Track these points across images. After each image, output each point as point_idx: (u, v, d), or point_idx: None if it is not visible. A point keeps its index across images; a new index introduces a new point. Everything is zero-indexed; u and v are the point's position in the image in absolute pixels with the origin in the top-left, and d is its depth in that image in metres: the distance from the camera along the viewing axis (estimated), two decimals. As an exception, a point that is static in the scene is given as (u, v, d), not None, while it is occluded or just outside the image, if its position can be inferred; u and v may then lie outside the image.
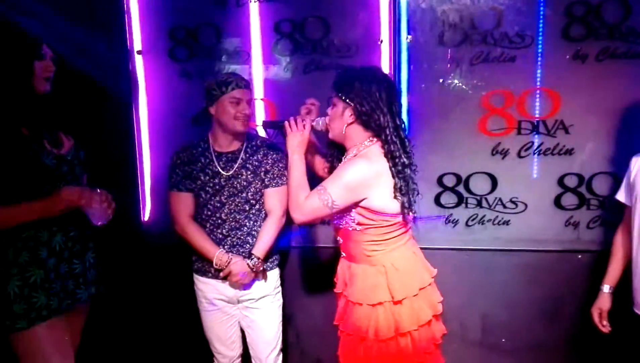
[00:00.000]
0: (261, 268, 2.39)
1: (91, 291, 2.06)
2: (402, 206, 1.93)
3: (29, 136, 1.86)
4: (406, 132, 2.01)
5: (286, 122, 2.08)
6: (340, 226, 2.03)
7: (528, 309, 2.82)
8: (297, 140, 2.04)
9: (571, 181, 2.67)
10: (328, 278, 2.89)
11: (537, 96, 2.63)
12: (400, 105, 2.05)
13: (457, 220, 2.80)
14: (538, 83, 2.62)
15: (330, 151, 2.18)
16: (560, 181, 2.68)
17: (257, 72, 2.83)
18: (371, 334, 1.96)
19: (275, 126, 2.21)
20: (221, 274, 2.35)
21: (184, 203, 2.39)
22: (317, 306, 2.97)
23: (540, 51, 2.59)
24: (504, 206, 2.74)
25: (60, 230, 1.93)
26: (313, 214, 1.95)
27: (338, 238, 2.12)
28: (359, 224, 1.96)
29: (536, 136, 2.66)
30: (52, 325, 1.90)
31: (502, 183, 2.73)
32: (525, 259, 2.77)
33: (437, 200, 2.80)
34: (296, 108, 2.67)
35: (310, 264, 2.98)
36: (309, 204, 1.92)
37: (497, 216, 2.76)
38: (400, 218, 1.97)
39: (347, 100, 1.95)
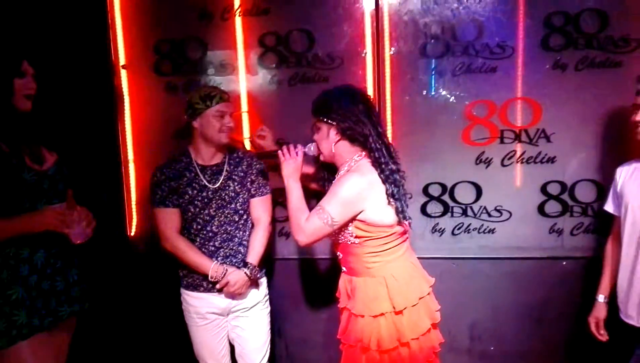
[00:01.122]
0: (257, 276, 2.38)
1: (75, 308, 2.00)
2: (397, 211, 1.95)
3: (8, 152, 1.80)
4: (388, 140, 2.05)
5: (279, 152, 2.11)
6: (340, 240, 2.04)
7: (515, 316, 2.80)
8: (291, 167, 2.07)
9: (554, 189, 2.67)
10: (318, 290, 2.89)
11: (519, 105, 2.63)
12: (378, 115, 2.08)
13: (444, 229, 2.78)
14: (519, 93, 2.62)
15: (320, 174, 2.22)
16: (544, 189, 2.67)
17: (243, 85, 2.80)
18: (373, 345, 1.96)
19: (270, 155, 2.27)
20: (217, 285, 2.30)
21: (171, 219, 2.33)
22: (307, 318, 2.94)
23: (520, 61, 2.59)
24: (489, 215, 2.73)
25: (42, 246, 1.87)
26: (315, 234, 1.95)
27: (338, 252, 2.11)
28: (357, 237, 1.97)
29: (519, 144, 2.66)
30: (34, 343, 1.84)
31: (487, 191, 2.71)
32: (511, 267, 2.75)
33: (423, 210, 2.77)
34: (281, 121, 2.67)
35: (299, 276, 2.93)
36: (310, 226, 1.94)
37: (482, 225, 2.74)
38: (397, 229, 1.99)
39: (329, 121, 1.99)
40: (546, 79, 2.58)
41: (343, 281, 2.13)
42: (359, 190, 1.91)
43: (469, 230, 2.76)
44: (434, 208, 2.77)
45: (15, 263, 1.82)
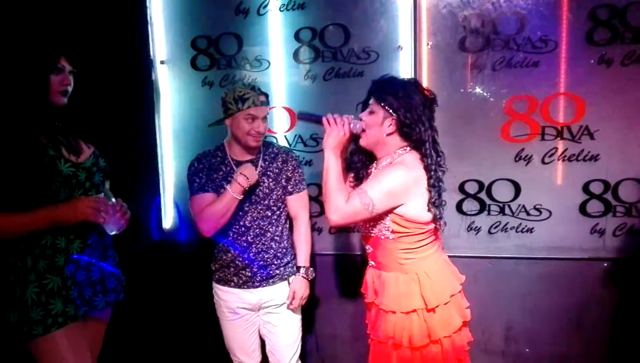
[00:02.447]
0: (314, 276, 2.38)
1: (110, 299, 1.97)
2: (434, 217, 1.87)
3: (45, 143, 1.79)
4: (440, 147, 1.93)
5: (324, 118, 1.93)
6: (372, 234, 1.94)
7: (552, 318, 2.67)
8: (335, 139, 1.90)
9: (597, 188, 2.52)
10: (348, 286, 2.81)
11: (561, 101, 2.49)
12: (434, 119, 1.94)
13: (480, 228, 2.66)
14: (562, 88, 2.48)
15: (357, 157, 2.05)
16: (586, 188, 2.53)
17: (278, 80, 2.74)
18: (405, 342, 1.88)
19: (312, 119, 2.04)
20: (288, 299, 2.30)
21: (207, 201, 2.22)
22: (338, 314, 2.87)
23: (564, 55, 2.46)
24: (528, 214, 2.59)
25: (78, 237, 1.85)
26: (352, 217, 1.85)
27: (367, 246, 2.02)
28: (393, 232, 1.88)
29: (560, 141, 2.52)
30: (69, 332, 1.82)
31: (526, 189, 2.58)
32: (549, 267, 2.62)
33: (459, 207, 2.66)
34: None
35: (330, 271, 2.86)
36: (350, 208, 1.81)
37: (520, 224, 2.61)
38: (432, 226, 1.91)
39: (390, 110, 1.86)
40: (590, 74, 2.44)
41: (371, 275, 2.04)
42: (405, 183, 1.82)
43: (507, 228, 2.63)
44: (470, 205, 2.65)
45: (52, 253, 1.80)
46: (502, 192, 2.61)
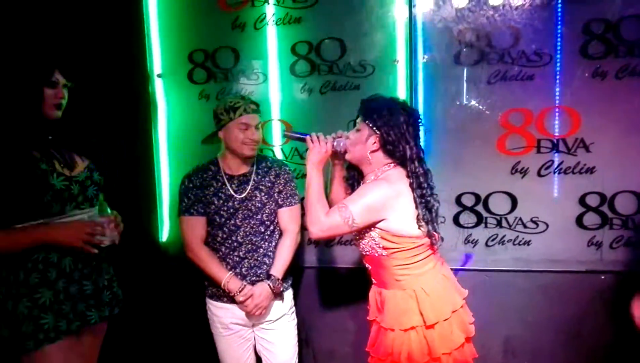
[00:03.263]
0: (281, 289, 2.25)
1: (104, 313, 1.92)
2: (428, 234, 1.86)
3: (38, 157, 1.75)
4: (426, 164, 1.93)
5: (308, 137, 1.98)
6: (366, 252, 1.93)
7: (550, 331, 2.63)
8: (317, 157, 1.94)
9: (593, 200, 2.50)
10: (346, 300, 2.77)
11: (557, 114, 2.48)
12: (420, 138, 1.96)
13: (477, 240, 2.62)
14: (557, 101, 2.47)
15: (351, 173, 2.08)
16: (582, 200, 2.50)
17: (275, 93, 2.71)
18: (404, 359, 1.85)
19: (297, 138, 2.08)
20: (241, 297, 2.16)
21: (195, 228, 2.23)
22: (335, 328, 2.81)
23: (558, 69, 2.45)
24: (525, 226, 2.56)
25: (70, 251, 1.80)
26: (331, 230, 1.87)
27: (366, 265, 2.00)
28: (384, 248, 1.87)
29: (556, 154, 2.50)
30: (62, 347, 1.77)
31: (522, 202, 2.55)
32: (547, 280, 2.58)
33: (455, 220, 2.62)
34: (313, 128, 2.55)
35: (327, 285, 2.81)
36: (330, 221, 1.84)
37: (517, 236, 2.58)
38: (425, 240, 1.88)
39: (374, 128, 1.88)
40: (585, 87, 2.43)
41: (373, 293, 2.02)
42: (386, 198, 1.82)
43: (504, 241, 2.60)
44: (467, 218, 2.62)
45: (44, 267, 1.76)
46: (499, 205, 2.58)
